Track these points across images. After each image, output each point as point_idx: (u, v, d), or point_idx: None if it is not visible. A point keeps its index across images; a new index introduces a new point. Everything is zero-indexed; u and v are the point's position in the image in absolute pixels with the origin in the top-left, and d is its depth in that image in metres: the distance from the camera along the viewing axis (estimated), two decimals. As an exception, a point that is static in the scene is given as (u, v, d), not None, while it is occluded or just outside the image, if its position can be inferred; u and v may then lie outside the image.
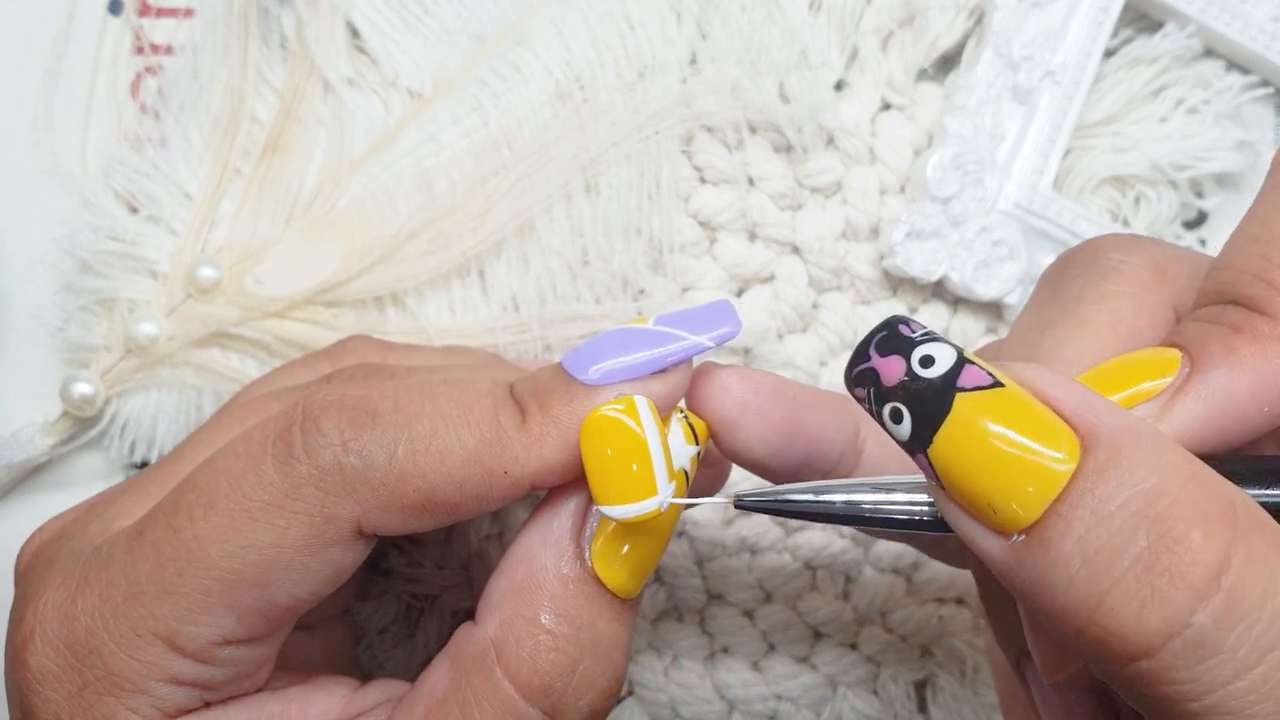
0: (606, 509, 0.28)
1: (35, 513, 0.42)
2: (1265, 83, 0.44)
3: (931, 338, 0.25)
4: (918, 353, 0.24)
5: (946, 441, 0.24)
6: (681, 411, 0.31)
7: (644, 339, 0.30)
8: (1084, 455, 0.23)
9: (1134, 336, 0.28)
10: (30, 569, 0.32)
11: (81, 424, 0.41)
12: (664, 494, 0.28)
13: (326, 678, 0.32)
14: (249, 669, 0.30)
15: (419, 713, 0.30)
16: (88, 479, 0.43)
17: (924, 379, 0.24)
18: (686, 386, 0.31)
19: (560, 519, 0.30)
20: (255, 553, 0.28)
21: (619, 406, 0.28)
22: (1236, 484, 0.24)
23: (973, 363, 0.24)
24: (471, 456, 0.28)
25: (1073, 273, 0.30)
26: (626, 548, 0.30)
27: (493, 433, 0.29)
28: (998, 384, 0.24)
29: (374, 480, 0.28)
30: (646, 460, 0.28)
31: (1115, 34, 0.43)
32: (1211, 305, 0.27)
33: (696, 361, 0.31)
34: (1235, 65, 0.44)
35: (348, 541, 0.29)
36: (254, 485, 0.28)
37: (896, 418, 0.25)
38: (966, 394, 0.24)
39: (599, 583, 0.30)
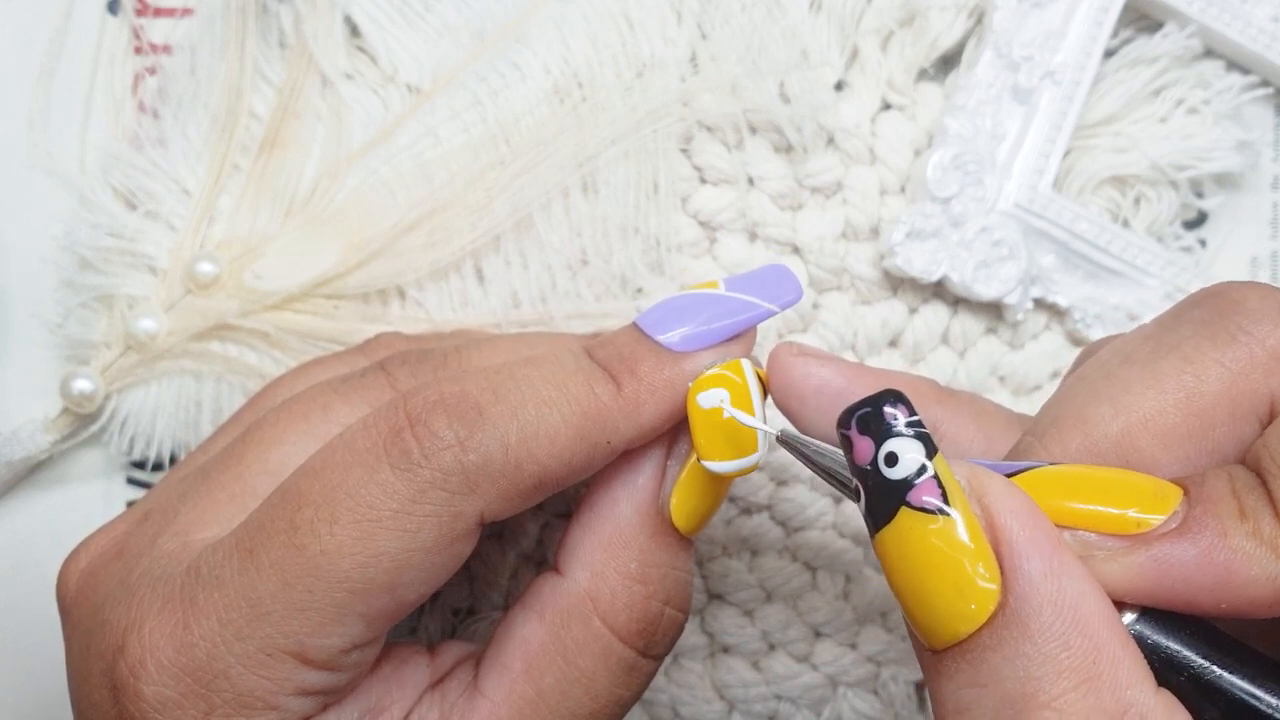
0: (713, 465, 0.31)
1: (35, 510, 0.42)
2: (1265, 83, 0.44)
3: (905, 432, 0.24)
4: (886, 446, 0.24)
5: (885, 542, 0.24)
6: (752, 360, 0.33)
7: (719, 304, 0.32)
8: (996, 611, 0.23)
9: (1204, 417, 0.26)
10: (91, 592, 0.31)
11: (81, 420, 0.41)
12: (762, 450, 0.31)
13: (402, 647, 0.33)
14: (367, 667, 0.31)
15: (517, 667, 0.31)
16: (88, 476, 0.43)
17: (881, 476, 0.24)
18: (753, 346, 0.33)
19: (643, 475, 0.32)
20: (388, 560, 0.28)
21: (727, 372, 0.31)
22: (1172, 670, 0.23)
23: (934, 476, 0.24)
24: (577, 434, 0.30)
25: (1196, 315, 0.27)
26: (701, 496, 0.32)
27: (593, 407, 0.30)
28: (943, 511, 0.23)
29: (494, 473, 0.29)
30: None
31: (1115, 34, 0.43)
32: (1248, 470, 0.25)
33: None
34: (1235, 65, 0.44)
35: (472, 533, 0.30)
36: (378, 495, 0.28)
37: (856, 494, 0.25)
38: (910, 511, 0.24)
39: (676, 530, 0.32)
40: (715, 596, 0.43)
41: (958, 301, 0.43)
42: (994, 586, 0.23)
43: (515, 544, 0.42)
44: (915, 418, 0.24)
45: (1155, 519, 0.24)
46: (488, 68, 0.41)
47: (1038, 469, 0.26)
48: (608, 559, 0.32)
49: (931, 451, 0.24)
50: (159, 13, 0.43)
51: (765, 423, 0.31)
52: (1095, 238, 0.42)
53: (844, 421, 0.25)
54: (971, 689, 0.23)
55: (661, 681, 0.43)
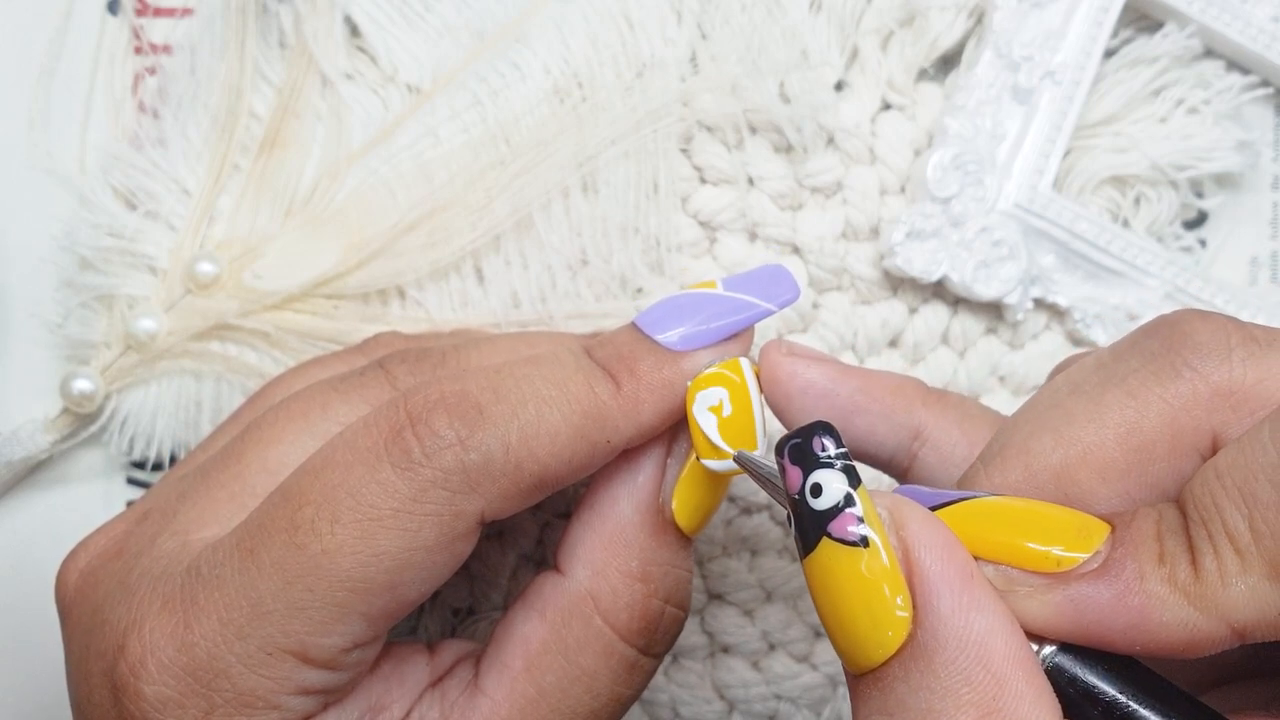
0: (712, 464, 0.31)
1: (35, 510, 0.43)
2: (1265, 83, 0.44)
3: (833, 463, 0.24)
4: (812, 477, 0.24)
5: (810, 569, 0.24)
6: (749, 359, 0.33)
7: (718, 304, 0.32)
8: (905, 643, 0.23)
9: (1143, 452, 0.26)
10: (90, 591, 0.31)
11: (81, 420, 0.41)
12: (761, 449, 0.31)
13: (402, 646, 0.33)
14: (368, 665, 0.31)
15: (518, 665, 0.31)
16: (88, 476, 0.43)
17: (807, 506, 0.24)
18: (751, 345, 0.33)
19: (643, 474, 0.32)
20: (389, 559, 0.28)
21: (726, 371, 0.31)
22: (1089, 704, 0.24)
23: (856, 509, 0.24)
24: (577, 433, 0.30)
25: (1147, 346, 0.27)
26: (701, 494, 0.32)
27: (593, 405, 0.30)
28: (862, 543, 0.24)
29: (495, 472, 0.29)
30: (751, 419, 0.31)
31: (1115, 34, 0.43)
32: (1178, 510, 0.25)
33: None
34: (1235, 65, 0.44)
35: (473, 532, 0.30)
36: (378, 494, 0.28)
37: (788, 519, 0.25)
38: (830, 542, 0.24)
39: (677, 529, 0.32)
40: (715, 596, 0.43)
41: (958, 301, 0.43)
42: (909, 616, 0.23)
43: (515, 544, 0.42)
44: (843, 450, 0.25)
45: (1077, 557, 0.24)
46: (488, 68, 0.41)
47: (972, 500, 0.26)
48: (609, 557, 0.32)
49: (855, 483, 0.24)
50: (159, 13, 0.43)
51: (765, 423, 0.31)
52: (1095, 238, 0.42)
53: (779, 450, 0.25)
54: (881, 716, 0.24)
55: (661, 681, 0.43)
